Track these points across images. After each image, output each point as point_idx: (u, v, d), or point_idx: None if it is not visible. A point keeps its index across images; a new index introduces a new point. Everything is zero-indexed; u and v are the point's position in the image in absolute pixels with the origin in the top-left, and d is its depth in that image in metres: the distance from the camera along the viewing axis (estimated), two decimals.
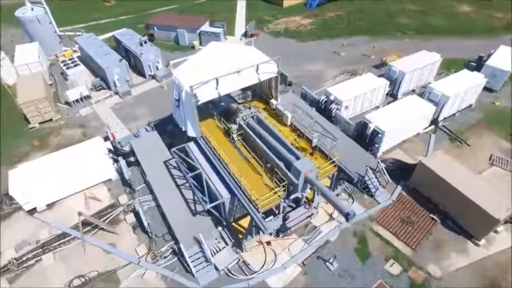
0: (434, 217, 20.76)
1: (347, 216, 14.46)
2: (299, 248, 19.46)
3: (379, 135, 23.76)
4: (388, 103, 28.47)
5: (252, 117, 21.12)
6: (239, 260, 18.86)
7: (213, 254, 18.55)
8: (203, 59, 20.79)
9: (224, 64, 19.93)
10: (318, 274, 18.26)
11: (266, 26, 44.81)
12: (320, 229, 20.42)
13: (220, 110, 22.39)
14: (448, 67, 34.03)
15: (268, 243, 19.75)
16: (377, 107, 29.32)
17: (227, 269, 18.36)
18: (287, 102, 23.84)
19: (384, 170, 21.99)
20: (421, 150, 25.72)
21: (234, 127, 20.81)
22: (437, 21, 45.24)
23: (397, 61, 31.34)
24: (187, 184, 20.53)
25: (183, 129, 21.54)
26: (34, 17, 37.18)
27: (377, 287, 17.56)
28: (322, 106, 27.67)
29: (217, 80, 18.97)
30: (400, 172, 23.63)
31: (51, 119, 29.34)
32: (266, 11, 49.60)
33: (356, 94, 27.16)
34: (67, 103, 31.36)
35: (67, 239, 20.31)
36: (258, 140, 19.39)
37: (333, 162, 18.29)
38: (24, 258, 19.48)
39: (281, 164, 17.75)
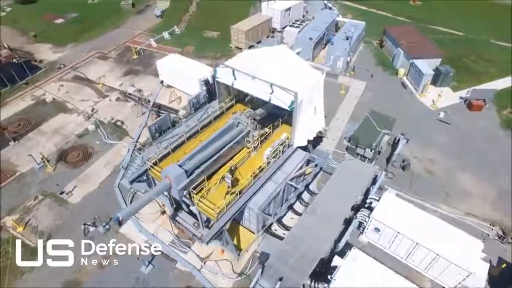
0: None
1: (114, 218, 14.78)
2: (164, 239, 19.92)
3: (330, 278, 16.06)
4: None
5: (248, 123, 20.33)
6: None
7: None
8: (262, 53, 20.91)
9: (264, 66, 19.60)
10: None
11: None
12: (191, 250, 19.31)
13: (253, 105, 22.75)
14: None
15: (163, 212, 21.32)
16: None
17: (133, 192, 22.41)
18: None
19: None
20: None
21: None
22: None
23: None
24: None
25: None
26: None
27: None
28: (365, 205, 20.16)
29: (233, 71, 19.55)
30: None
31: (241, 48, 38.33)
32: None
33: (407, 233, 17.49)
34: None
35: (145, 104, 30.40)
36: (215, 134, 19.53)
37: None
38: (130, 95, 31.67)
39: None
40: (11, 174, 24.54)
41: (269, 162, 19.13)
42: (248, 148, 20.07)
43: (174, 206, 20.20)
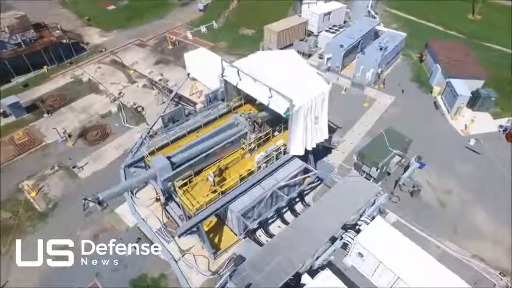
0: None
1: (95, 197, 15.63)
2: (153, 225, 20.62)
3: None
4: None
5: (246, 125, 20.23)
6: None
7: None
8: (272, 56, 20.61)
9: (270, 69, 19.46)
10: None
11: None
12: (174, 240, 19.78)
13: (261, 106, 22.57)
14: None
15: (158, 200, 22.05)
16: None
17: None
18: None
19: None
20: None
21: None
22: None
23: None
24: None
25: None
26: None
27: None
28: (356, 227, 19.05)
29: (238, 71, 19.53)
30: None
31: (272, 49, 38.13)
32: None
33: (390, 265, 16.25)
34: None
35: (167, 93, 31.61)
36: (211, 132, 19.81)
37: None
38: (156, 83, 33.09)
39: None
40: (38, 143, 27.05)
41: (260, 166, 18.89)
42: (244, 149, 19.99)
43: (166, 195, 20.83)
